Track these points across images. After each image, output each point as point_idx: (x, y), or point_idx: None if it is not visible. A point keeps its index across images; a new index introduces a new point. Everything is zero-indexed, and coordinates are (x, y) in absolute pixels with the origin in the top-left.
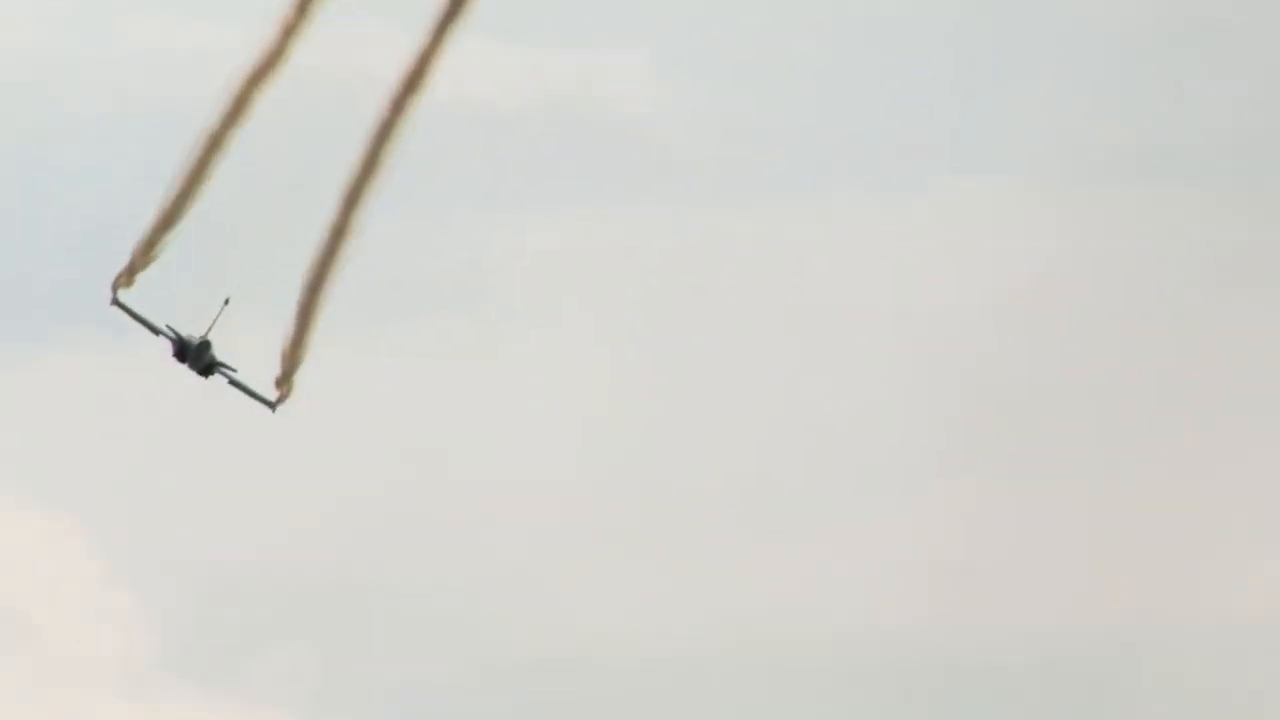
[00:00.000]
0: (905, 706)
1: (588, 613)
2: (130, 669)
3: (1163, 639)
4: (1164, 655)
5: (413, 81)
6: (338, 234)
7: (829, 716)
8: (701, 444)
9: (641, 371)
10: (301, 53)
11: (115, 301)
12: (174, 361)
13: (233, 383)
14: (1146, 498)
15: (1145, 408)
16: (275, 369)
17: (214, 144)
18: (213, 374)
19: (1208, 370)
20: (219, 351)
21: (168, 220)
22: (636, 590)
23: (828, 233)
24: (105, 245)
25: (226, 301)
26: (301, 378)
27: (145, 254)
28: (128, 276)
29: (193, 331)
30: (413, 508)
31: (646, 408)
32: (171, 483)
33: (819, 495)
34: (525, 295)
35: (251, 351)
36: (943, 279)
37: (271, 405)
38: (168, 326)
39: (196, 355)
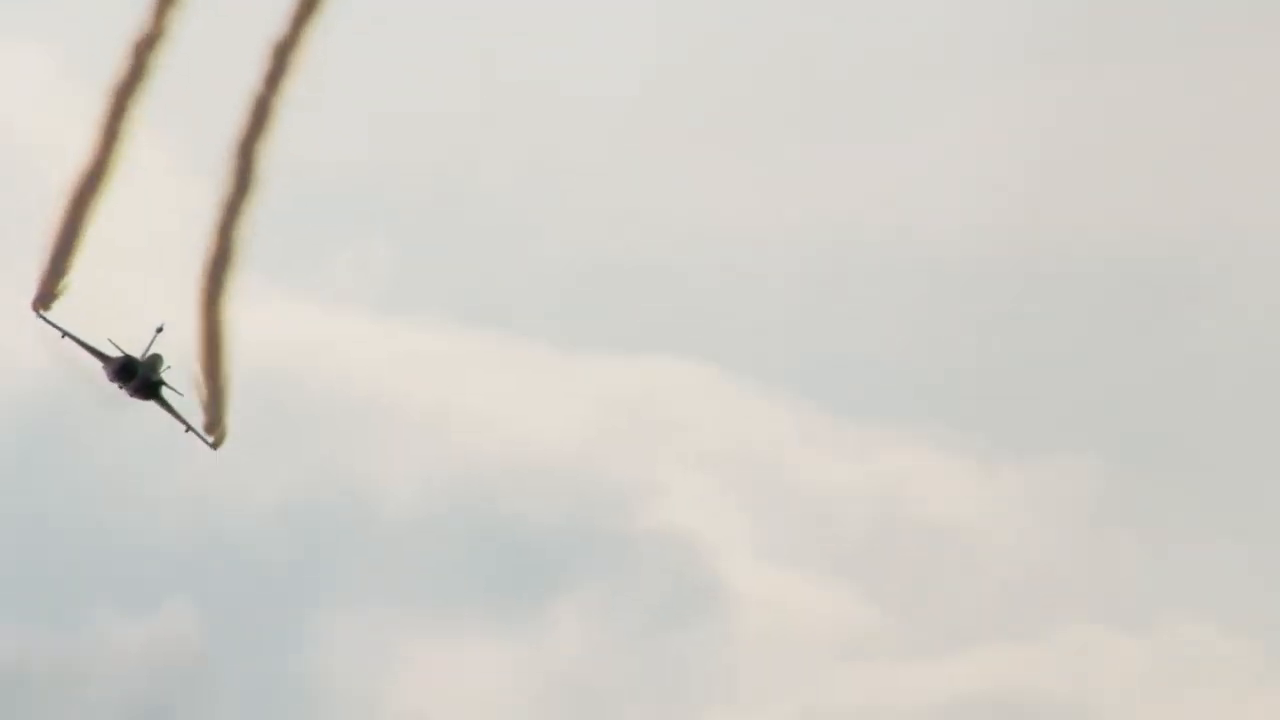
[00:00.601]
0: (988, 305)
1: (662, 213)
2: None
3: (1249, 244)
4: (1251, 260)
5: None
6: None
7: (912, 313)
8: (786, 40)
9: None
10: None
11: (41, 316)
12: (114, 382)
13: (173, 412)
14: (1237, 98)
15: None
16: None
17: (96, 174)
18: (158, 393)
19: None
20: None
21: (64, 251)
22: (714, 191)
23: None
24: None
25: (160, 329)
26: (231, 420)
27: (52, 285)
28: (43, 304)
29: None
30: (490, 109)
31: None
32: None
33: (904, 95)
34: None
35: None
36: None
37: (212, 445)
38: (109, 341)
39: (150, 367)
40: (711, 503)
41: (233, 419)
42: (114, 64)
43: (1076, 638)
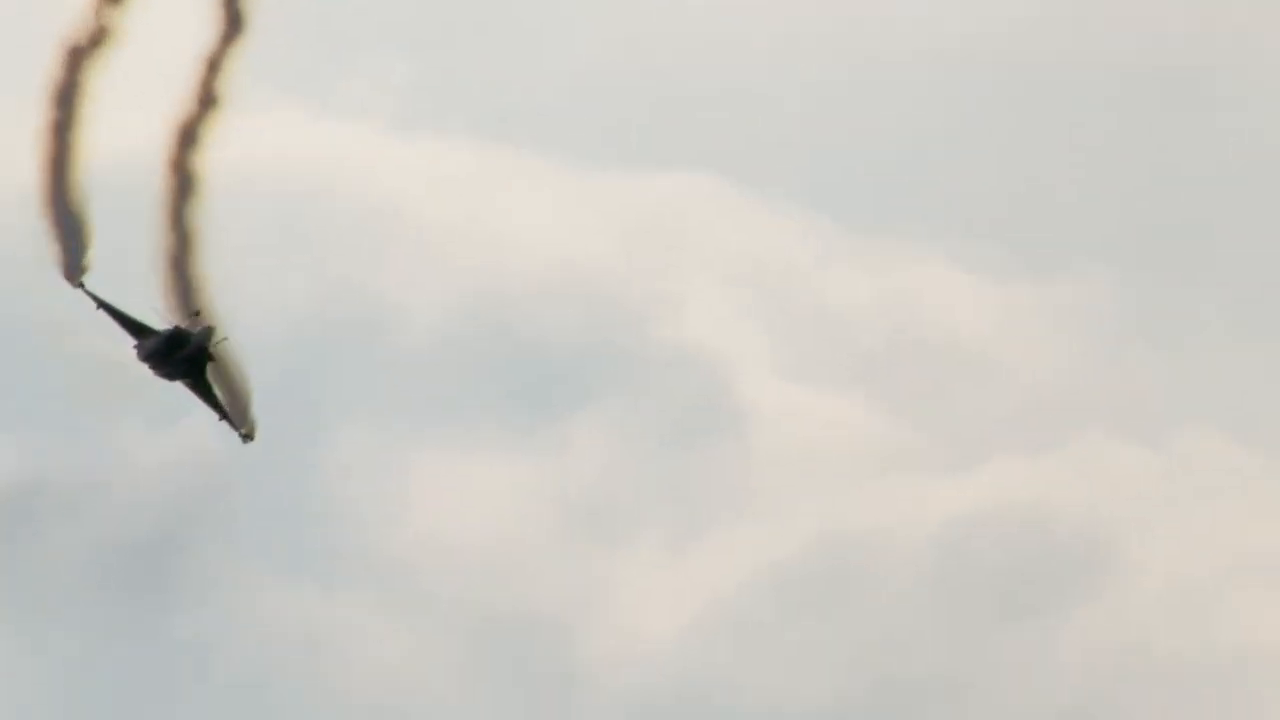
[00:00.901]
0: (1004, 119)
1: (681, 30)
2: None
3: (1267, 51)
4: (1270, 68)
5: None
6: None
7: (928, 129)
8: None
9: None
10: None
11: (79, 285)
12: (146, 360)
13: (208, 395)
14: None
15: None
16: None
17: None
18: (201, 371)
19: None
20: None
21: (73, 211)
22: (733, 7)
23: None
24: None
25: (197, 313)
26: (257, 415)
27: (79, 255)
28: (72, 276)
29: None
30: None
31: None
32: None
33: None
34: None
35: None
36: None
37: (244, 436)
38: (155, 311)
39: (204, 338)
40: (728, 319)
41: (257, 411)
42: None
43: (1093, 451)
